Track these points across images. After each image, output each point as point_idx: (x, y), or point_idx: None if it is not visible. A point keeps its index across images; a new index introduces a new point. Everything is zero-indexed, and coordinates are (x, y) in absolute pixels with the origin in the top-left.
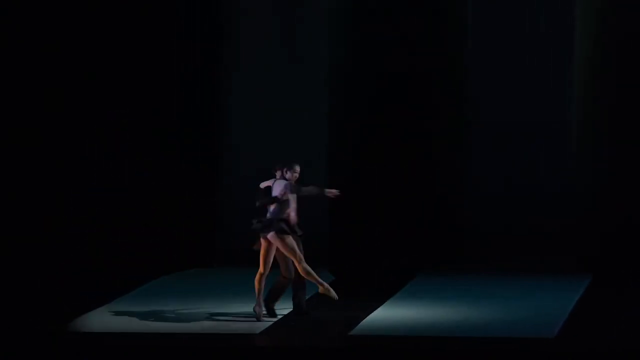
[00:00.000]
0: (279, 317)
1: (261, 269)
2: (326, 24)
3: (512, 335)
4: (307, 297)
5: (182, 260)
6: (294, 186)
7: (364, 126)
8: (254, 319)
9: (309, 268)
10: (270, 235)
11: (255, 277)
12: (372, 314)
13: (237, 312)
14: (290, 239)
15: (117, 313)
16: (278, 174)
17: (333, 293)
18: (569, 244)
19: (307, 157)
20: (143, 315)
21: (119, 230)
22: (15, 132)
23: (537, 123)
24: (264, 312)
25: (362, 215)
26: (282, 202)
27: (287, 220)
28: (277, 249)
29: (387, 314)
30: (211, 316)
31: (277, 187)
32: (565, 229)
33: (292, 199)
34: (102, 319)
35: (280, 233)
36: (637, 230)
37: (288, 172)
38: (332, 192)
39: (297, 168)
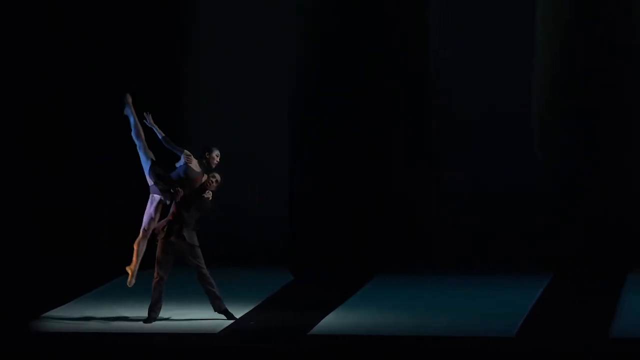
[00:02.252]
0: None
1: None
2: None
3: (473, 334)
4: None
5: (141, 260)
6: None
7: (328, 122)
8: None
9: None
10: None
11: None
12: (331, 313)
13: (196, 312)
14: None
15: (75, 314)
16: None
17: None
18: (533, 243)
19: (269, 153)
20: (101, 316)
21: (76, 230)
22: None
23: (504, 122)
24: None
25: (324, 214)
26: None
27: None
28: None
29: (347, 314)
30: (171, 316)
31: None
32: (530, 229)
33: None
34: (59, 320)
35: None
36: (600, 230)
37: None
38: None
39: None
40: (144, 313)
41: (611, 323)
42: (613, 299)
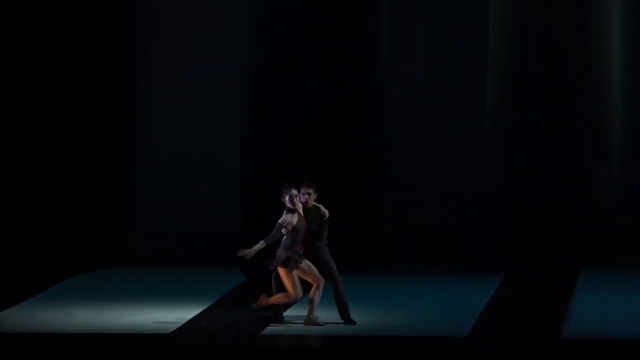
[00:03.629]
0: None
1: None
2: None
3: (425, 334)
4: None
5: (94, 260)
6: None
7: (280, 123)
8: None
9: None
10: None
11: None
12: (284, 313)
13: (149, 313)
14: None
15: (29, 313)
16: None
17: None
18: (485, 243)
19: (220, 155)
20: (55, 316)
21: (30, 230)
22: None
23: (457, 123)
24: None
25: (276, 214)
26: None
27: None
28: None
29: (302, 314)
30: (124, 316)
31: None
32: (482, 229)
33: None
34: (13, 320)
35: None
36: (552, 229)
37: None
38: None
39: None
40: (98, 313)
41: (563, 322)
42: (565, 298)
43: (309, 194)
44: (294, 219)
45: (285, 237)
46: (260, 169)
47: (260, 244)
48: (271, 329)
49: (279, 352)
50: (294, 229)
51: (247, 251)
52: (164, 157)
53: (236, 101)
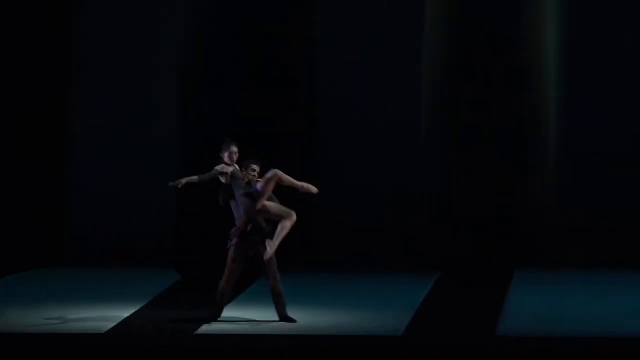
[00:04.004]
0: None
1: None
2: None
3: (359, 333)
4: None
5: (27, 259)
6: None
7: (216, 125)
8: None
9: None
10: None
11: None
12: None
13: (83, 312)
14: None
15: None
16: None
17: None
18: (418, 240)
19: (155, 148)
20: None
21: None
22: None
23: (392, 122)
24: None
25: (211, 211)
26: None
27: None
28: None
29: (234, 314)
30: (57, 316)
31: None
32: (417, 228)
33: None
34: None
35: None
36: (486, 228)
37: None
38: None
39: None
40: (31, 313)
41: (498, 320)
42: (500, 297)
43: (254, 170)
44: (229, 168)
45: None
46: (196, 169)
47: (193, 178)
48: (206, 328)
49: (213, 352)
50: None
51: (178, 181)
52: (97, 155)
53: (171, 99)
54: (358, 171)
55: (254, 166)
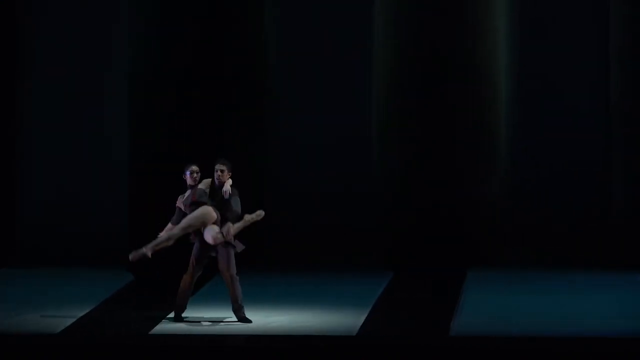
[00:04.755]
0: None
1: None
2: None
3: (314, 333)
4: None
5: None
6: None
7: (168, 116)
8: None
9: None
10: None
11: None
12: (172, 313)
13: (36, 313)
14: None
15: None
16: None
17: None
18: (371, 241)
19: (109, 154)
20: None
21: None
22: None
23: (338, 127)
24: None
25: (162, 210)
26: None
27: None
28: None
29: (188, 313)
30: (9, 316)
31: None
32: (370, 227)
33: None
34: None
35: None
36: (439, 228)
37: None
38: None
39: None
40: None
41: (451, 320)
42: (453, 297)
43: (222, 171)
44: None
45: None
46: (148, 166)
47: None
48: (160, 327)
49: (167, 351)
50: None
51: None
52: (49, 151)
53: (122, 98)
54: (314, 173)
55: (218, 166)
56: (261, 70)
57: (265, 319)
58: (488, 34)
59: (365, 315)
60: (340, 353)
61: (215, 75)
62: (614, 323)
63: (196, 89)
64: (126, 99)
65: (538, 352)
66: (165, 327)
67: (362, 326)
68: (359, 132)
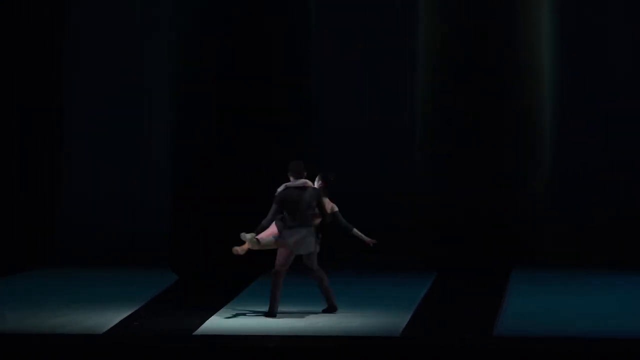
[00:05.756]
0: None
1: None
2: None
3: (358, 334)
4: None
5: (18, 261)
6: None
7: (210, 126)
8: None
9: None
10: None
11: None
12: (216, 314)
13: (80, 313)
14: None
15: None
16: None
17: None
18: (415, 241)
19: (152, 154)
20: None
21: None
22: None
23: (386, 125)
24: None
25: (206, 213)
26: None
27: None
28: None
29: (232, 314)
30: (54, 316)
31: None
32: (412, 228)
33: None
34: None
35: None
36: (482, 228)
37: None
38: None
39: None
40: (28, 314)
41: (495, 321)
42: (497, 298)
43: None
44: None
45: None
46: (192, 167)
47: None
48: (204, 327)
49: (212, 352)
50: None
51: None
52: (90, 154)
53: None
54: (355, 173)
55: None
56: (303, 71)
57: (311, 319)
58: (534, 24)
59: (409, 316)
60: (384, 354)
61: (259, 75)
62: None
63: (239, 89)
64: (169, 99)
65: (583, 353)
66: (210, 327)
67: (405, 327)
68: (401, 131)
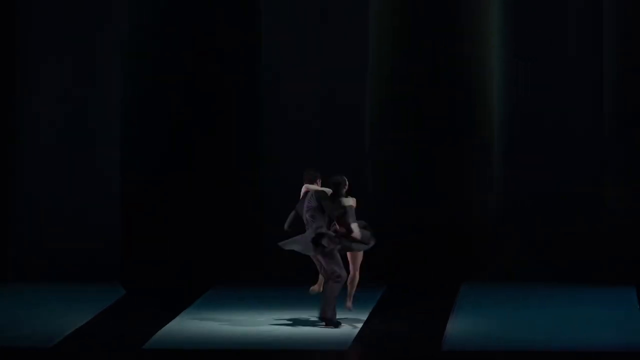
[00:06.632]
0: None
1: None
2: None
3: (307, 347)
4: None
5: None
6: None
7: (162, 125)
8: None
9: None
10: None
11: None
12: (166, 326)
13: (29, 328)
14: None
15: None
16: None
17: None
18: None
19: (100, 163)
20: None
21: None
22: None
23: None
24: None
25: (156, 224)
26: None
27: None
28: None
29: (183, 326)
30: (2, 331)
31: None
32: None
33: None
34: None
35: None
36: (434, 240)
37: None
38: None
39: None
40: None
41: (444, 336)
42: (447, 312)
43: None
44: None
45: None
46: (142, 177)
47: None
48: (153, 341)
49: None
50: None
51: None
52: (40, 169)
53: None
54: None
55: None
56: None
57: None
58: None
59: (358, 329)
60: None
61: (209, 83)
62: (609, 337)
63: (191, 98)
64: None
65: None
66: (159, 340)
67: (354, 340)
68: (352, 144)
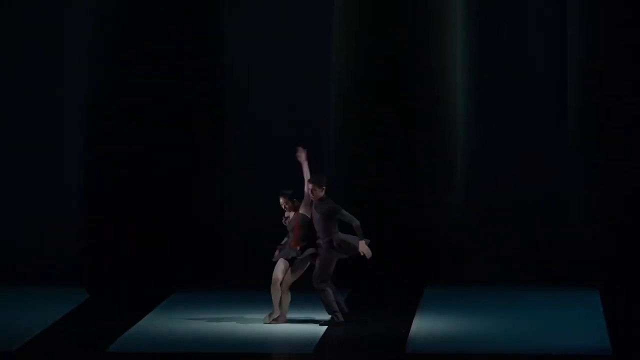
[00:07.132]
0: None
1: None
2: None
3: (271, 350)
4: None
5: None
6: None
7: (126, 126)
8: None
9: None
10: None
11: None
12: (131, 328)
13: None
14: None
15: None
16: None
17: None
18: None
19: (61, 163)
20: None
21: None
22: None
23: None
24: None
25: (120, 228)
26: None
27: None
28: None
29: (147, 329)
30: None
31: None
32: None
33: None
34: None
35: None
36: (397, 244)
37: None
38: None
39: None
40: None
41: (408, 338)
42: (410, 315)
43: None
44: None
45: None
46: (103, 181)
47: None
48: (119, 343)
49: None
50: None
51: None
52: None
53: (77, 113)
54: (268, 186)
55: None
56: (217, 81)
57: (222, 335)
58: (445, 47)
59: (322, 333)
60: None
61: (174, 85)
62: (571, 340)
63: (155, 102)
64: (84, 114)
65: None
66: (123, 343)
67: (317, 344)
68: (314, 154)
